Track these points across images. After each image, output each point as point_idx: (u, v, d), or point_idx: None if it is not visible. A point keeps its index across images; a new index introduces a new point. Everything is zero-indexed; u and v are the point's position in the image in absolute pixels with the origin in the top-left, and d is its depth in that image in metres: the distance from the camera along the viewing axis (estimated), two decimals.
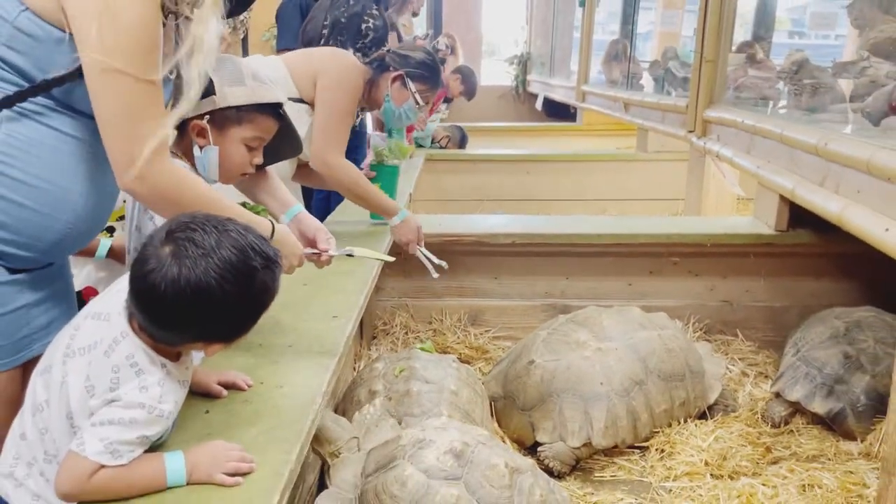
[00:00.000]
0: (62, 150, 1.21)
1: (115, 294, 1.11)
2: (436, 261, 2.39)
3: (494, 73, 10.01)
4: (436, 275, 2.38)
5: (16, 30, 1.12)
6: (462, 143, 5.31)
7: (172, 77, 1.26)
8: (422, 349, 2.26)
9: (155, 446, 1.10)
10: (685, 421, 2.25)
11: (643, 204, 4.71)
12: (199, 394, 1.30)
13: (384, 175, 2.75)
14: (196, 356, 1.48)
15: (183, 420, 1.21)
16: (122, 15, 1.10)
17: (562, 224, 2.86)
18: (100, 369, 1.04)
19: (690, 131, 3.52)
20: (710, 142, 3.27)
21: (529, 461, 1.72)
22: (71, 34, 1.13)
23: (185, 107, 1.22)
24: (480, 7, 9.25)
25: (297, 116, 2.19)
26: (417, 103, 2.48)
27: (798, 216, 2.59)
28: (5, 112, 1.15)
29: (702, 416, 2.31)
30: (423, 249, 2.42)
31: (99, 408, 1.02)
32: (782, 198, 2.58)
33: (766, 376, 2.61)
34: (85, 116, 1.21)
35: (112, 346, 1.05)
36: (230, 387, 1.33)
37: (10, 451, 1.14)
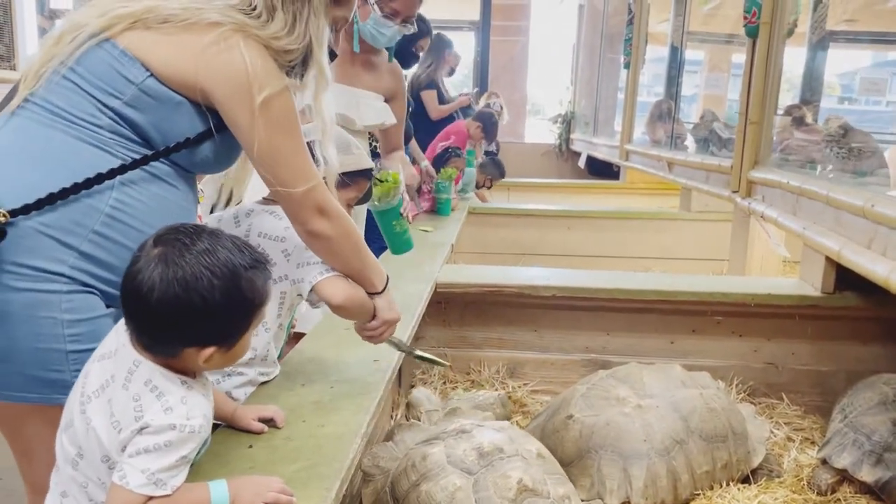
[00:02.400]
0: (169, 199, 1.31)
1: (115, 333, 1.14)
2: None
3: (538, 132, 10.16)
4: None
5: (141, 92, 1.24)
6: (501, 172, 5.39)
7: None
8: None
9: (193, 463, 1.12)
10: (727, 484, 2.19)
11: (686, 263, 4.67)
12: (242, 430, 1.34)
13: (380, 218, 2.38)
14: (238, 392, 1.52)
15: (226, 454, 1.24)
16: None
17: (604, 279, 2.85)
18: (121, 403, 1.06)
19: (735, 191, 3.52)
20: (754, 202, 3.26)
21: (570, 489, 1.69)
22: (188, 98, 1.27)
23: (331, 185, 1.45)
24: (526, 67, 9.45)
25: None
26: (384, 16, 2.47)
27: (845, 278, 2.55)
28: (139, 173, 1.25)
29: (744, 480, 2.25)
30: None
31: (130, 439, 1.04)
32: (828, 259, 2.55)
33: (812, 442, 2.53)
34: (183, 169, 1.33)
35: (128, 376, 1.07)
36: (268, 422, 1.36)
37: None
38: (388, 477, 1.69)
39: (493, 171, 5.42)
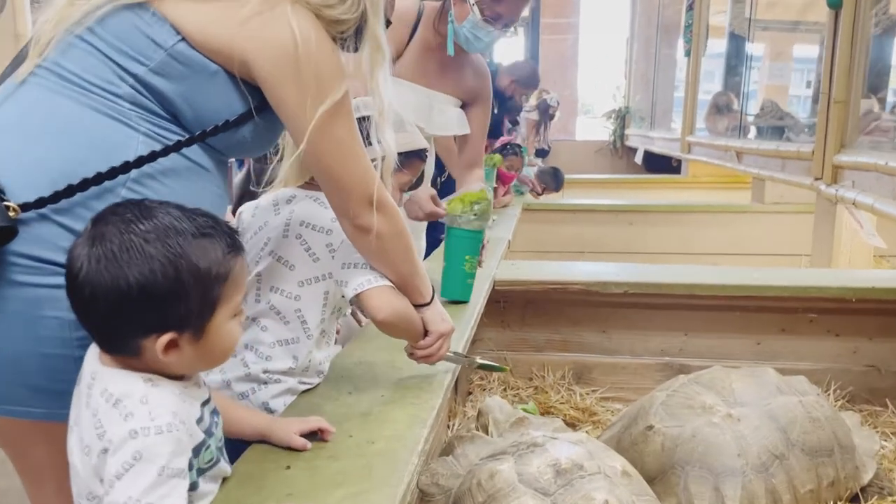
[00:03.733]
0: (192, 181, 1.13)
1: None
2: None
3: (590, 129, 9.90)
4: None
5: (170, 57, 1.06)
6: (558, 185, 5.11)
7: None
8: (524, 410, 2.03)
9: (200, 473, 0.93)
10: None
11: (760, 259, 4.36)
12: (280, 447, 1.14)
13: (454, 240, 2.06)
14: (276, 402, 1.33)
15: (260, 477, 1.04)
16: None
17: (681, 273, 2.59)
18: (86, 424, 0.89)
19: (818, 178, 3.22)
20: (842, 189, 2.96)
21: None
22: (224, 68, 1.09)
23: (387, 175, 1.26)
24: (576, 64, 9.21)
25: None
26: (485, 19, 2.11)
27: None
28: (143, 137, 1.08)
29: (853, 499, 1.97)
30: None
31: (100, 467, 0.85)
32: None
33: None
34: (216, 150, 1.16)
35: (88, 392, 0.90)
36: (311, 437, 1.16)
37: None
38: (448, 497, 1.48)
39: (550, 181, 5.15)
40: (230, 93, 1.11)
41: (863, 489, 1.99)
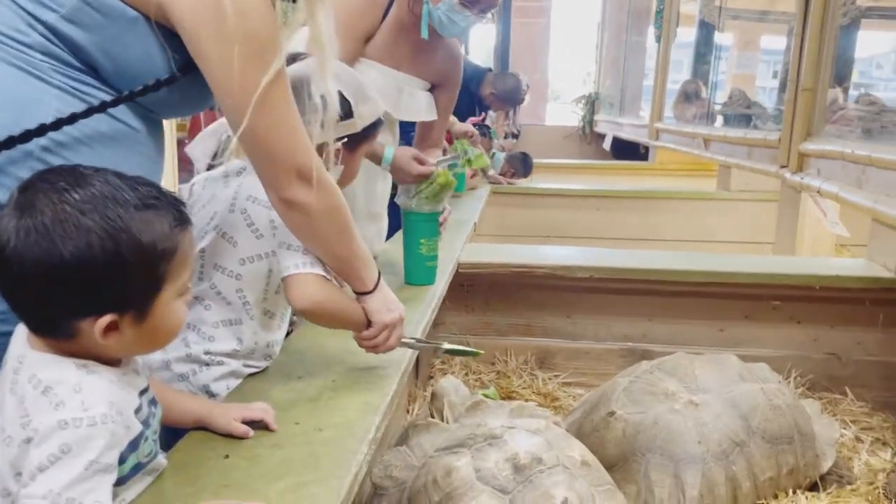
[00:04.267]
0: (117, 139, 1.04)
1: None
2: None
3: (560, 114, 9.88)
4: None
5: (83, 3, 0.96)
6: (526, 170, 5.06)
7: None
8: (484, 395, 1.98)
9: (138, 468, 0.85)
10: (794, 492, 1.91)
11: (724, 246, 4.36)
12: (220, 434, 1.07)
13: (407, 224, 2.04)
14: (218, 386, 1.26)
15: (197, 467, 0.97)
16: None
17: (646, 259, 2.56)
18: (9, 412, 0.81)
19: (783, 166, 3.21)
20: (807, 177, 2.95)
21: (619, 501, 1.42)
22: (144, 16, 0.99)
23: (329, 132, 1.19)
24: (547, 49, 9.16)
25: None
26: (461, 3, 2.03)
27: None
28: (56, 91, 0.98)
29: (812, 487, 1.96)
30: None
31: (21, 459, 0.78)
32: None
33: (883, 443, 2.24)
34: (142, 107, 1.06)
35: (14, 378, 0.82)
36: (255, 425, 1.09)
37: None
38: (402, 491, 1.42)
39: (519, 166, 5.10)
40: (151, 41, 1.01)
41: (822, 477, 1.99)
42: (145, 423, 0.88)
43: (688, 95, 5.84)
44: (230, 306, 1.29)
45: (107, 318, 0.81)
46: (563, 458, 1.40)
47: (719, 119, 5.06)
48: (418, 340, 1.49)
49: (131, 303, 0.83)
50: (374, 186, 2.24)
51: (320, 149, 1.22)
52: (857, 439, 2.25)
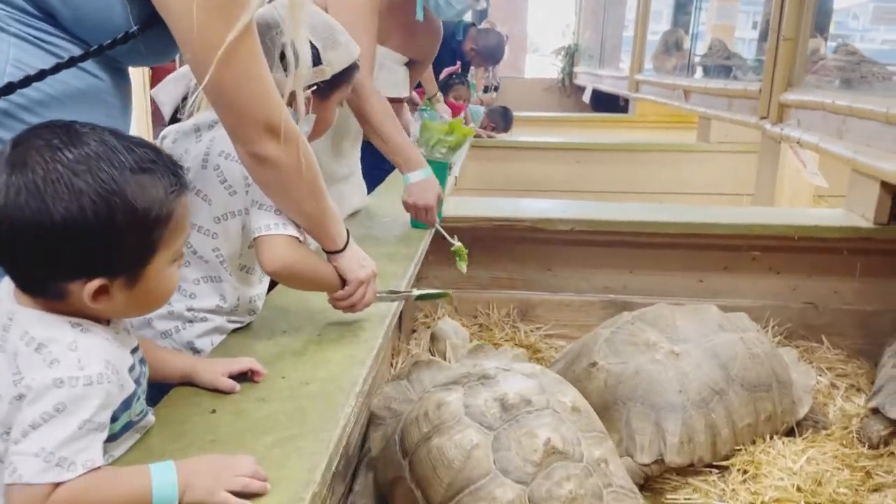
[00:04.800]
0: (80, 88, 1.01)
1: None
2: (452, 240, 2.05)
3: (539, 67, 9.78)
4: (464, 269, 2.08)
5: None
6: (507, 125, 5.03)
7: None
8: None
9: (128, 427, 0.85)
10: (771, 438, 1.95)
11: (704, 198, 4.38)
12: (205, 389, 1.06)
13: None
14: (203, 342, 1.24)
15: (181, 422, 0.97)
16: None
17: (626, 211, 2.56)
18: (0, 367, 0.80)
19: (763, 118, 3.21)
20: (787, 128, 2.95)
21: (608, 448, 1.44)
22: None
23: (303, 79, 1.15)
24: (526, 1, 9.02)
25: None
26: None
27: None
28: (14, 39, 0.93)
29: (789, 432, 2.01)
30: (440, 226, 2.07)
31: (12, 417, 0.76)
32: (884, 186, 2.26)
33: (857, 389, 2.29)
34: (107, 57, 1.02)
35: (3, 335, 0.80)
36: (241, 379, 1.08)
37: None
38: (398, 421, 1.44)
39: (500, 121, 5.06)
40: None
41: (798, 423, 2.03)
42: (137, 382, 0.87)
43: (668, 46, 5.79)
44: (208, 264, 1.27)
45: (96, 283, 0.79)
46: (553, 402, 1.41)
47: (699, 70, 5.04)
48: (390, 292, 1.49)
49: (123, 268, 0.81)
50: (340, 145, 2.20)
51: (290, 98, 1.19)
52: (833, 386, 2.30)
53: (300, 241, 1.21)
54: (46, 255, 0.77)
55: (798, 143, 2.79)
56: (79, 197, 0.75)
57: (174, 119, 1.36)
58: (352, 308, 1.32)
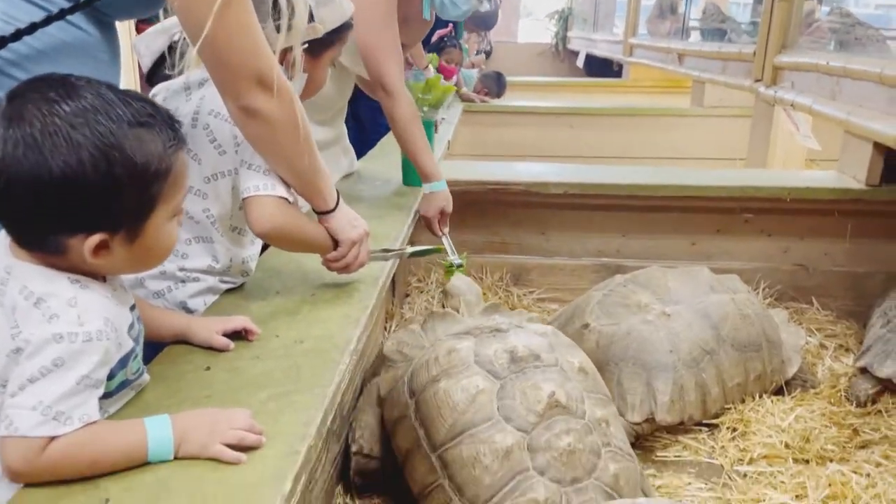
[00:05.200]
0: (68, 42, 1.00)
1: None
2: (454, 257, 2.10)
3: (533, 31, 9.68)
4: (458, 260, 2.11)
5: None
6: (500, 90, 4.99)
7: None
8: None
9: (124, 385, 0.85)
10: (760, 397, 1.97)
11: (697, 163, 4.38)
12: (199, 347, 1.07)
13: None
14: (196, 302, 1.25)
15: (176, 379, 0.98)
16: None
17: (619, 175, 2.56)
18: None
19: (758, 80, 3.20)
20: (781, 90, 2.95)
21: (610, 411, 1.47)
22: None
23: (298, 34, 1.14)
24: None
25: None
26: None
27: (893, 169, 2.28)
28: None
29: (778, 391, 2.04)
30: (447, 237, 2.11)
31: (8, 371, 0.77)
32: (876, 147, 2.26)
33: (846, 349, 2.32)
34: (95, 10, 1.01)
35: (1, 289, 0.80)
36: (234, 338, 1.09)
37: None
38: (409, 366, 1.47)
39: (493, 86, 5.01)
40: None
41: (787, 382, 2.05)
42: (136, 341, 0.88)
43: (662, 10, 5.74)
44: (199, 225, 1.26)
45: (97, 238, 0.79)
46: (562, 360, 1.44)
47: (694, 34, 5.01)
48: (384, 250, 1.50)
49: (122, 223, 0.81)
50: (328, 113, 2.18)
51: (282, 56, 1.18)
52: (822, 346, 2.33)
53: (289, 203, 1.21)
54: (45, 208, 0.76)
55: (792, 105, 2.79)
56: (77, 150, 0.75)
57: (153, 72, 1.34)
58: (346, 269, 1.32)
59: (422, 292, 2.59)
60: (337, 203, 1.27)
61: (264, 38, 1.04)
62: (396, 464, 1.43)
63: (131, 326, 0.87)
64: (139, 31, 2.65)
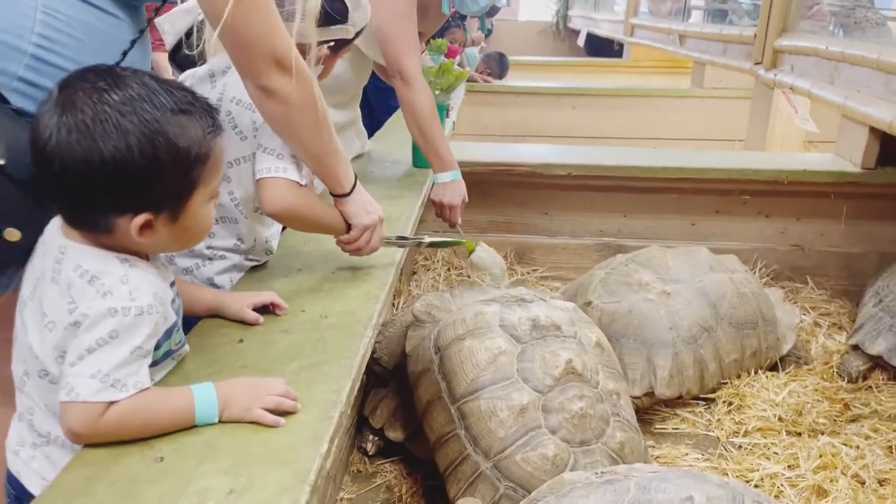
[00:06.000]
0: (103, 30, 1.04)
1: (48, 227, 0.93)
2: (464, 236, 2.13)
3: (534, 8, 9.63)
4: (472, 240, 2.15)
5: None
6: (502, 71, 5.03)
7: None
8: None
9: (168, 354, 0.92)
10: (755, 372, 2.05)
11: (697, 144, 4.42)
12: (231, 321, 1.13)
13: None
14: (222, 279, 1.31)
15: (212, 350, 1.04)
16: None
17: (621, 156, 2.61)
18: (52, 299, 0.86)
19: (758, 63, 3.24)
20: (781, 73, 2.99)
21: (621, 386, 1.56)
22: None
23: (311, 26, 1.17)
24: None
25: None
26: None
27: (888, 153, 2.34)
28: (78, 6, 0.98)
29: (772, 367, 2.12)
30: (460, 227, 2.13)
31: (68, 342, 0.83)
32: (872, 132, 2.32)
33: (839, 327, 2.40)
34: None
35: (56, 267, 0.86)
36: (265, 310, 1.16)
37: (13, 430, 0.97)
38: (436, 326, 1.55)
39: (495, 66, 5.04)
40: None
41: (782, 358, 2.13)
42: (177, 314, 0.94)
43: None
44: (224, 207, 1.32)
45: (143, 217, 0.85)
46: (581, 334, 1.52)
47: (695, 14, 5.03)
48: (399, 238, 1.52)
49: (166, 203, 0.86)
50: (344, 97, 2.22)
51: (304, 48, 1.21)
52: (816, 324, 2.41)
53: (301, 185, 1.24)
54: (97, 190, 0.82)
55: (791, 88, 2.84)
56: (126, 136, 0.80)
57: (175, 51, 1.39)
58: (358, 252, 1.36)
59: (428, 270, 2.66)
60: (353, 187, 1.30)
61: (281, 20, 1.06)
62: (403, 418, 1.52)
63: (173, 301, 0.94)
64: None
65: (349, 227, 1.32)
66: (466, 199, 2.12)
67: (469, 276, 1.89)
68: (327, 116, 1.20)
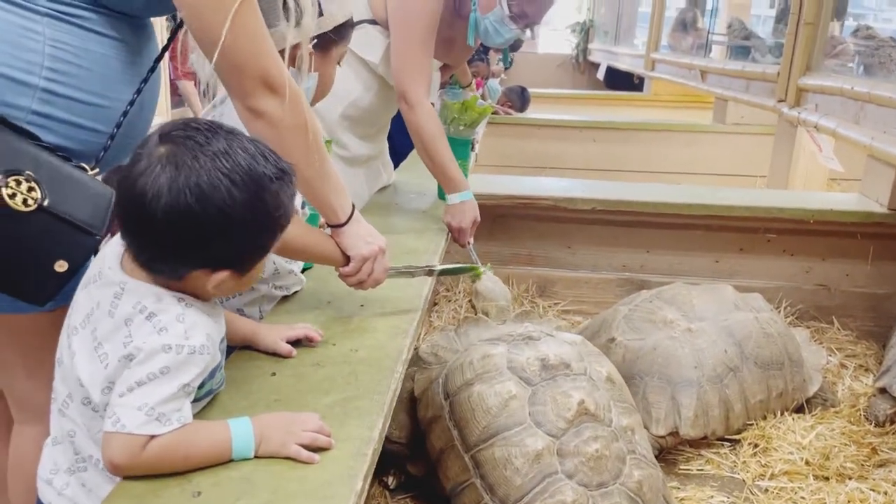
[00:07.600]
0: (110, 56, 1.05)
1: (101, 257, 0.94)
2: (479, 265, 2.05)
3: (553, 42, 9.72)
4: (482, 268, 2.13)
5: None
6: (524, 104, 5.06)
7: None
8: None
9: (209, 393, 0.93)
10: (781, 414, 2.03)
11: (718, 179, 4.42)
12: (264, 353, 1.14)
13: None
14: (252, 311, 1.32)
15: (246, 383, 1.05)
16: None
17: (645, 191, 2.62)
18: (107, 331, 0.87)
19: (781, 101, 3.25)
20: (805, 112, 3.00)
21: (635, 420, 1.53)
22: None
23: (305, 34, 1.15)
24: None
25: (371, 40, 1.98)
26: (511, 16, 2.02)
27: None
28: (65, 28, 0.98)
29: (798, 409, 2.09)
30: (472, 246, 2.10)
31: (118, 373, 0.84)
32: None
33: (866, 369, 2.37)
34: (119, 14, 1.05)
35: (114, 301, 0.88)
36: (297, 342, 1.16)
37: (47, 456, 0.97)
38: (443, 368, 1.54)
39: (517, 100, 5.07)
40: None
41: (808, 400, 2.11)
42: (222, 353, 0.95)
43: (685, 24, 5.78)
44: None
45: (223, 274, 0.88)
46: (591, 370, 1.51)
47: (716, 49, 5.05)
48: (406, 267, 1.45)
49: (246, 261, 0.91)
50: (371, 129, 2.23)
51: (292, 53, 1.18)
52: (842, 366, 2.38)
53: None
54: (192, 249, 0.85)
55: (816, 127, 2.84)
56: (234, 203, 0.84)
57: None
58: (360, 285, 1.29)
59: (449, 301, 2.66)
60: (350, 217, 1.24)
61: (271, 41, 1.05)
62: (424, 456, 1.51)
63: (222, 340, 0.95)
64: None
65: (348, 259, 1.26)
66: (478, 220, 2.08)
67: (473, 305, 1.87)
68: (320, 140, 1.17)
